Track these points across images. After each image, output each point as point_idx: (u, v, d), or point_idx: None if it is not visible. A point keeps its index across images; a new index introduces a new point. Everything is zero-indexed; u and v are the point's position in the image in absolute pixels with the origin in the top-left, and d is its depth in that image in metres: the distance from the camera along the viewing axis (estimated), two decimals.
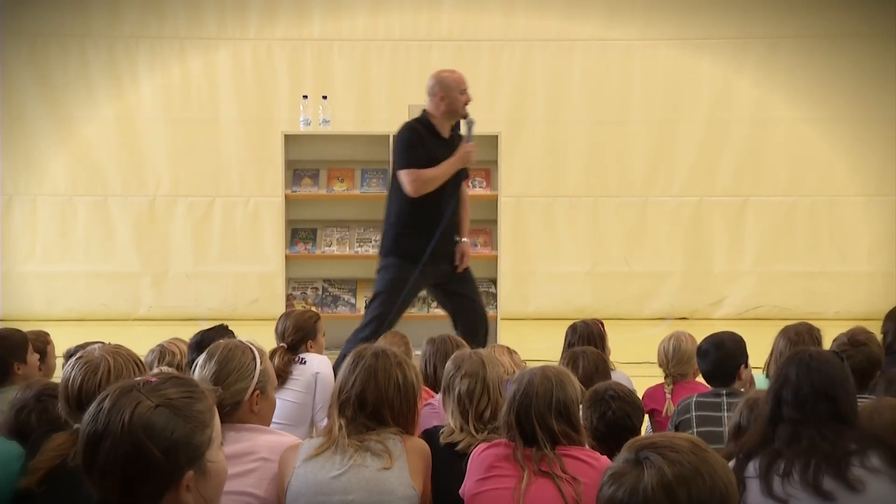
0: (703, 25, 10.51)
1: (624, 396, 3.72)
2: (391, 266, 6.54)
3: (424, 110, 6.65)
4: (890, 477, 2.90)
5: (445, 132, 6.60)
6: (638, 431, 3.61)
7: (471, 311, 6.69)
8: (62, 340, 5.15)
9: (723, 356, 4.40)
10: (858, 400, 3.90)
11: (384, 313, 6.46)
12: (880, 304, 5.38)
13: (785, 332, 4.78)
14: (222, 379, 3.22)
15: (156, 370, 4.18)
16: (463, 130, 6.61)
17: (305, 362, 4.87)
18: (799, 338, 4.69)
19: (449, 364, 3.62)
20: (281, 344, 4.95)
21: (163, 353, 4.56)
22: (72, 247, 10.59)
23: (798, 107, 10.51)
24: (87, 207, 10.57)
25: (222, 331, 4.66)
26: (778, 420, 3.07)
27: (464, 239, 6.68)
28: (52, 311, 10.15)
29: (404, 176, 6.42)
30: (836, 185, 10.56)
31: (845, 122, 10.48)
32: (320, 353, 5.08)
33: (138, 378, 2.14)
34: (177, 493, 2.04)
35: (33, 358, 4.57)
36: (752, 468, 3.01)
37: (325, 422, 3.46)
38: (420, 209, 6.43)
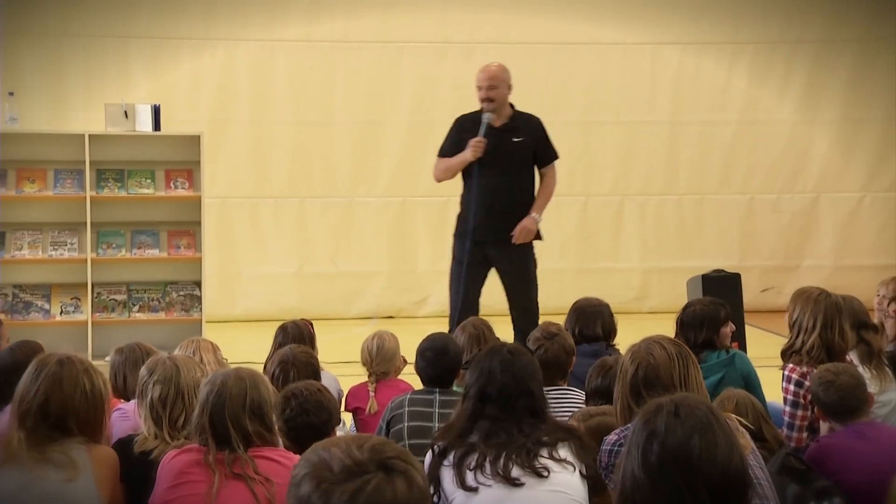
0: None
1: (323, 399, 3.72)
2: (453, 246, 7.12)
3: None
4: (576, 466, 3.07)
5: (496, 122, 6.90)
6: (330, 434, 3.61)
7: (511, 304, 7.01)
8: None
9: (447, 362, 4.35)
10: (555, 391, 4.12)
11: (451, 297, 7.03)
12: (569, 299, 5.66)
13: (464, 329, 4.96)
14: None
15: None
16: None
17: None
18: (478, 331, 4.87)
19: (143, 370, 3.52)
20: None
21: None
22: None
23: None
24: None
25: None
26: (479, 416, 3.16)
27: (533, 214, 6.90)
28: None
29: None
30: None
31: None
32: None
33: None
34: None
35: None
36: (449, 460, 3.10)
37: None
38: (465, 191, 7.03)
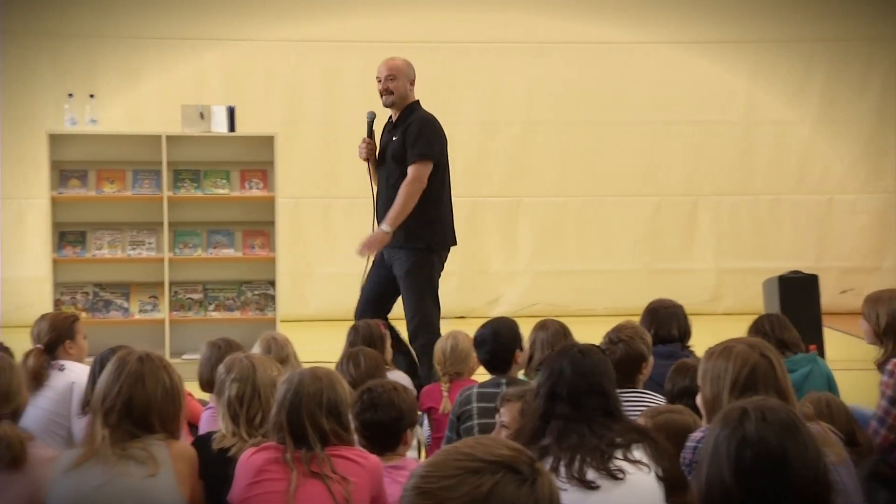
0: (465, 31, 10.72)
1: (395, 398, 3.73)
2: None
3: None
4: (651, 468, 3.04)
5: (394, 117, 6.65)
6: (402, 433, 3.62)
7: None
8: None
9: (500, 343, 4.50)
10: (625, 394, 4.08)
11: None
12: (643, 300, 5.62)
13: (539, 330, 4.95)
14: (11, 389, 3.18)
15: None
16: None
17: (64, 369, 4.67)
18: (557, 335, 4.86)
19: (220, 368, 3.57)
20: (37, 345, 4.74)
21: None
22: None
23: (567, 110, 10.88)
24: None
25: None
26: (550, 416, 3.15)
27: (382, 227, 6.49)
28: None
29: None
30: (600, 185, 10.98)
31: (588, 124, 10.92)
32: (81, 356, 4.87)
33: None
34: None
35: None
36: None
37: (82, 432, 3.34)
38: None
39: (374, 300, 6.62)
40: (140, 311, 7.89)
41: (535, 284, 10.89)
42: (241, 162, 8.05)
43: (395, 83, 6.53)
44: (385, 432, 3.56)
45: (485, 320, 4.87)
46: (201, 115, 7.84)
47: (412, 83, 6.64)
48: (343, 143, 10.59)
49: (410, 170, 6.43)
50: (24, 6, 10.12)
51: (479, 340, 4.61)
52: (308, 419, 3.13)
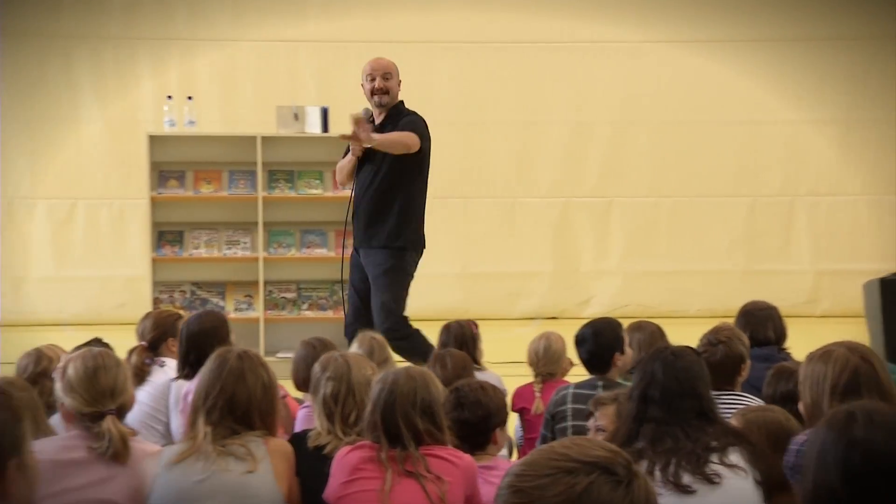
0: (553, 29, 10.67)
1: (482, 397, 3.74)
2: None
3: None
4: (748, 473, 2.99)
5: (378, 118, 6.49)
6: (491, 432, 3.63)
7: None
8: None
9: (601, 343, 4.48)
10: (724, 396, 4.03)
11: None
12: (737, 302, 5.53)
13: (634, 331, 4.90)
14: (121, 384, 3.23)
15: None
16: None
17: (164, 365, 4.77)
18: (652, 336, 4.81)
19: (315, 367, 3.60)
20: (141, 341, 4.85)
21: (40, 357, 4.37)
22: None
23: (665, 108, 10.77)
24: None
25: (97, 344, 4.53)
26: (643, 419, 3.12)
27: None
28: None
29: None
30: (693, 186, 10.85)
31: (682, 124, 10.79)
32: None
33: None
34: (3, 481, 2.05)
35: None
36: None
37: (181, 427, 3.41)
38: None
39: (364, 307, 6.52)
40: (235, 309, 8.01)
41: (627, 285, 10.80)
42: (334, 162, 8.06)
43: (390, 83, 6.42)
44: (473, 431, 3.57)
45: (576, 321, 4.85)
46: (295, 116, 7.94)
47: (400, 83, 6.54)
48: (435, 143, 10.62)
49: (402, 132, 6.29)
50: (122, 11, 10.35)
51: (580, 339, 4.57)
52: (402, 418, 3.16)
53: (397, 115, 6.47)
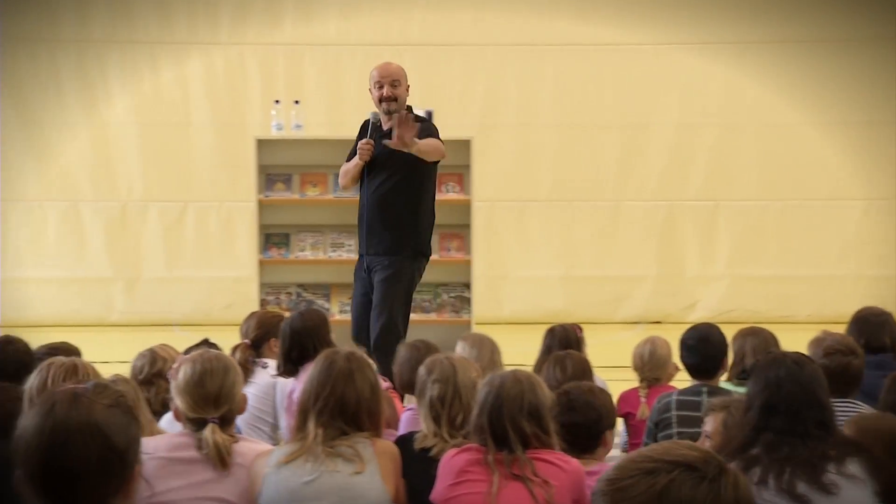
0: (691, 28, 10.54)
1: (593, 399, 3.71)
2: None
3: None
4: (866, 483, 2.91)
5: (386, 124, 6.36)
6: (601, 435, 3.60)
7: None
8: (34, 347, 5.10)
9: (707, 350, 4.41)
10: (843, 404, 3.94)
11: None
12: (848, 307, 5.40)
13: (747, 336, 4.80)
14: (229, 391, 3.26)
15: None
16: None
17: (266, 366, 4.84)
18: (766, 342, 4.71)
19: (421, 370, 3.62)
20: (244, 340, 4.93)
21: (154, 358, 4.47)
22: (43, 253, 10.51)
23: (771, 110, 10.57)
24: (57, 213, 10.50)
25: (207, 345, 4.62)
26: (763, 428, 3.05)
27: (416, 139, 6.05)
28: (24, 318, 10.04)
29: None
30: (806, 188, 10.63)
31: (826, 125, 10.56)
32: None
33: (69, 385, 2.15)
34: (130, 488, 2.07)
35: None
36: None
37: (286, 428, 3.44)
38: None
39: (368, 319, 6.36)
40: (340, 311, 8.09)
41: (734, 290, 10.62)
42: (438, 165, 8.13)
43: (399, 90, 6.30)
44: (584, 434, 3.56)
45: (681, 326, 4.78)
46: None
47: (408, 88, 6.43)
48: (539, 146, 10.63)
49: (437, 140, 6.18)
50: (232, 18, 10.55)
51: (687, 345, 4.51)
52: (509, 422, 3.15)
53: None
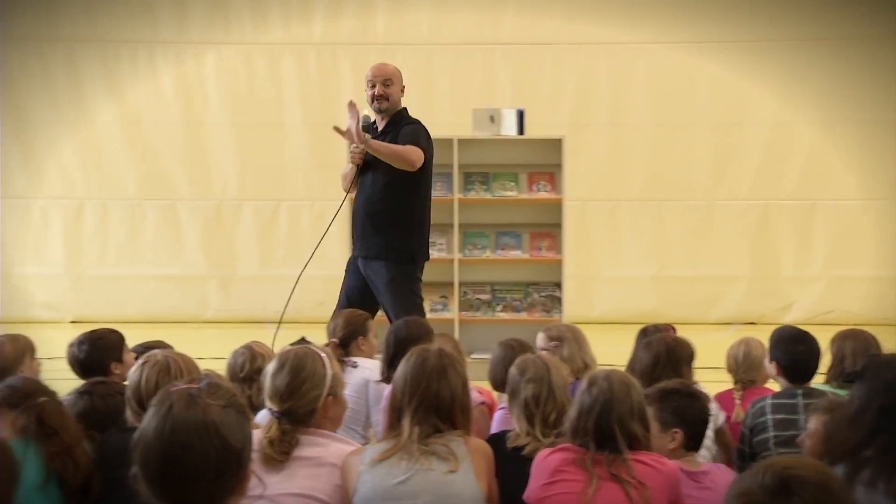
0: (762, 29, 10.38)
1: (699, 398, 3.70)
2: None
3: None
4: None
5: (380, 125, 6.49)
6: (703, 437, 3.58)
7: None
8: (132, 344, 5.21)
9: (802, 353, 4.34)
10: None
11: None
12: None
13: (847, 339, 4.69)
14: (297, 388, 3.24)
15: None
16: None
17: (357, 366, 4.87)
18: (867, 344, 4.60)
19: (513, 369, 3.61)
20: (332, 339, 4.97)
21: (253, 355, 4.52)
22: (141, 250, 10.75)
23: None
24: (155, 211, 10.73)
25: (303, 343, 4.66)
26: (880, 431, 2.98)
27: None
28: (122, 314, 10.26)
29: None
30: None
31: None
32: (371, 353, 5.08)
33: (180, 385, 2.17)
34: (244, 486, 2.11)
35: (129, 357, 4.62)
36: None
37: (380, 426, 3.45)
38: None
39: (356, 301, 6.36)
40: (431, 310, 8.10)
41: (830, 291, 10.42)
42: (529, 164, 8.14)
43: (391, 89, 6.36)
44: (697, 434, 3.55)
45: (776, 327, 4.69)
46: (491, 119, 7.99)
47: (403, 90, 6.47)
48: (631, 145, 10.54)
49: (408, 147, 6.18)
50: (326, 20, 10.65)
51: (783, 346, 4.43)
52: (617, 423, 3.15)
53: (399, 122, 6.42)
